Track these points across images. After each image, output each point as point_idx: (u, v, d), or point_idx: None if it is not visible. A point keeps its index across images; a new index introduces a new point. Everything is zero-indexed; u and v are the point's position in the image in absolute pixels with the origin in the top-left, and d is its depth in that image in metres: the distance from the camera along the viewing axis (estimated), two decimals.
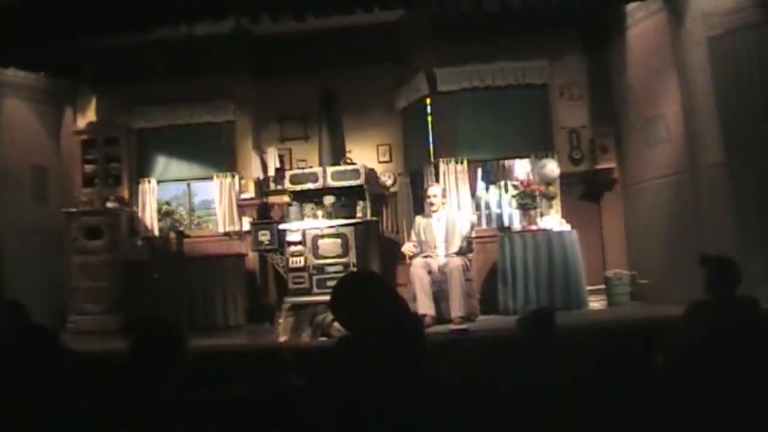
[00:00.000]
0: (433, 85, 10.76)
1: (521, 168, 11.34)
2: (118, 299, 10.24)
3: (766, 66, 8.02)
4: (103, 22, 7.79)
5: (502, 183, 11.86)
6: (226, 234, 11.39)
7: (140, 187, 11.50)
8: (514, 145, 10.98)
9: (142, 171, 11.63)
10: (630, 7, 9.89)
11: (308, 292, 9.50)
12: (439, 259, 9.26)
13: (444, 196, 9.88)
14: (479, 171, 11.90)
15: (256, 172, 11.36)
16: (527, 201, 10.12)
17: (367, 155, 11.38)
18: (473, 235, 9.71)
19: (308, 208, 10.38)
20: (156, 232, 11.40)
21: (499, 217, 11.80)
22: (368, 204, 10.45)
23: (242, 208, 11.38)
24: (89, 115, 11.73)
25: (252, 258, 10.90)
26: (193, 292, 10.22)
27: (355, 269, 9.16)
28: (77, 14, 7.50)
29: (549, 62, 10.80)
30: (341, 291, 3.30)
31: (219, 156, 11.62)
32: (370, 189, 10.66)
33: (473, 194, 11.26)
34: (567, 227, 9.80)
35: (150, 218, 11.45)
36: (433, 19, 10.54)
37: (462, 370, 4.27)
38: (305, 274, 9.60)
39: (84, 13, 7.48)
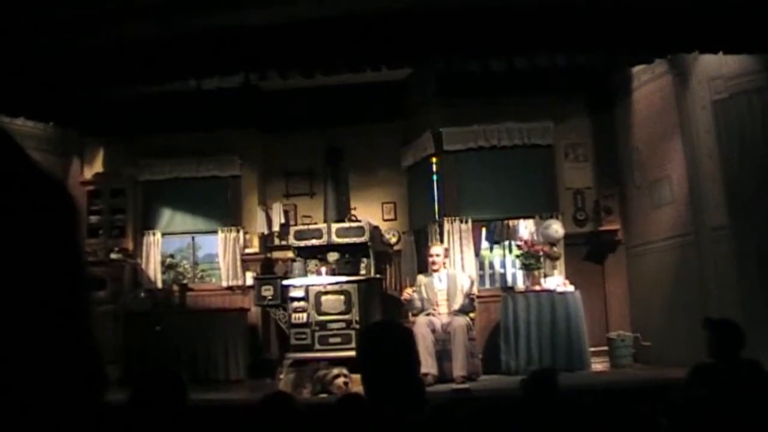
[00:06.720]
0: (439, 144, 10.80)
1: (525, 228, 11.33)
2: (120, 350, 10.20)
3: None
4: (113, 75, 7.85)
5: (506, 243, 11.87)
6: (229, 288, 11.37)
7: (145, 239, 11.51)
8: (518, 205, 10.97)
9: (147, 223, 11.63)
10: (636, 69, 10.00)
11: (310, 348, 9.47)
12: (442, 317, 9.22)
13: (446, 255, 9.86)
14: (483, 230, 11.90)
15: (261, 227, 11.36)
16: (531, 261, 10.11)
17: (372, 213, 11.37)
18: (474, 293, 9.70)
19: (312, 264, 10.38)
20: (159, 285, 11.39)
21: (503, 276, 11.80)
22: (372, 261, 10.43)
23: (246, 262, 11.36)
24: (96, 166, 11.80)
25: (254, 313, 10.84)
26: (194, 345, 10.19)
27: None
28: (87, 66, 7.56)
29: (554, 123, 10.84)
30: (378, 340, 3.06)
31: (224, 210, 11.64)
32: (375, 246, 10.65)
33: (477, 253, 11.26)
34: (570, 288, 9.78)
35: (153, 270, 11.44)
36: (440, 78, 10.64)
37: (464, 430, 4.24)
38: (307, 330, 9.58)
39: (94, 65, 7.54)
